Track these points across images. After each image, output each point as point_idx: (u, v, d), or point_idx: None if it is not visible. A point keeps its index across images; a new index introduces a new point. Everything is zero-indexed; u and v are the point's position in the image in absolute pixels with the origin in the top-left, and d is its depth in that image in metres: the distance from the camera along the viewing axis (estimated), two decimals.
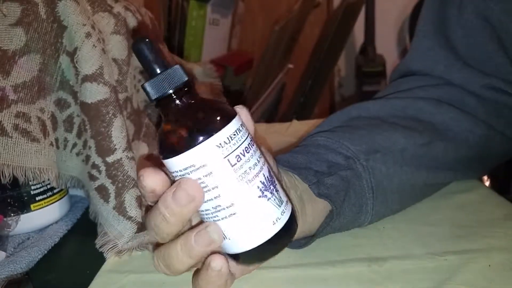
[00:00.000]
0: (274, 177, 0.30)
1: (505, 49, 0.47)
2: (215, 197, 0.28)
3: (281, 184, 0.32)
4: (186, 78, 0.28)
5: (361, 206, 0.41)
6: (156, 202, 0.30)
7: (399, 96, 0.50)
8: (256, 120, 1.22)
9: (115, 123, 0.44)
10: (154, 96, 0.28)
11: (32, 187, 0.46)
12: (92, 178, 0.45)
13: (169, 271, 0.31)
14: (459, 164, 0.48)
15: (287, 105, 1.62)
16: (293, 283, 0.37)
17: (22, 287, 0.37)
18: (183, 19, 1.35)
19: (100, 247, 0.43)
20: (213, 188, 0.28)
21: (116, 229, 0.43)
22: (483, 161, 0.51)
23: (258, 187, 0.28)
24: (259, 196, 0.28)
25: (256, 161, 0.29)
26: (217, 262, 0.29)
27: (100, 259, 0.42)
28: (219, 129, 0.27)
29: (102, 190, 0.44)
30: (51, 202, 0.48)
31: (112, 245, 0.43)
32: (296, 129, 0.76)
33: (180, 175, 0.29)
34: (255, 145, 0.29)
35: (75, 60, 0.44)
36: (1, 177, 0.41)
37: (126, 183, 0.44)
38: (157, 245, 0.32)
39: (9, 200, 0.45)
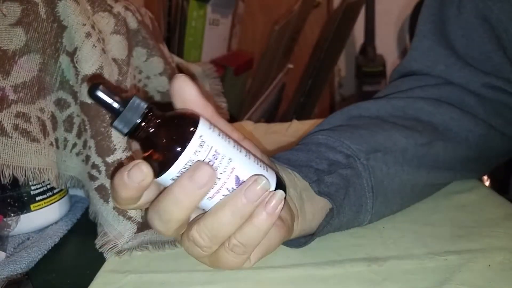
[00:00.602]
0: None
1: (504, 49, 0.47)
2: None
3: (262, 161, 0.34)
4: (146, 105, 0.31)
5: (361, 205, 0.41)
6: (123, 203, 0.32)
7: (399, 96, 0.50)
8: (256, 120, 1.22)
9: None
10: (125, 131, 0.31)
11: (32, 187, 0.46)
12: (92, 178, 0.45)
13: (216, 240, 0.32)
14: (459, 164, 0.48)
15: (287, 105, 1.62)
16: (292, 283, 0.37)
17: (22, 287, 0.37)
18: (183, 19, 1.35)
19: (100, 247, 0.43)
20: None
21: (116, 229, 0.44)
22: (483, 161, 0.51)
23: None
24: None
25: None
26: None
27: (100, 259, 0.42)
28: (194, 132, 0.30)
29: (102, 190, 0.44)
30: (51, 202, 0.48)
31: (112, 245, 0.43)
32: (296, 129, 0.76)
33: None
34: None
35: (75, 60, 0.44)
36: (1, 177, 0.41)
37: None
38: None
39: (9, 200, 0.45)
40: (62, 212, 0.50)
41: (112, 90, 0.31)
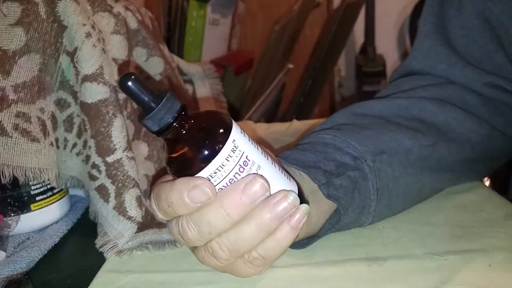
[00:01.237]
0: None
1: (505, 49, 0.47)
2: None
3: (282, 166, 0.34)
4: (180, 104, 0.29)
5: (364, 207, 0.41)
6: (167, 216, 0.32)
7: (402, 96, 0.50)
8: (256, 120, 1.22)
9: (115, 123, 0.44)
10: (155, 129, 0.29)
11: (32, 187, 0.46)
12: (92, 178, 0.45)
13: (237, 254, 0.31)
14: (462, 165, 0.48)
15: (287, 105, 1.62)
16: (293, 283, 0.37)
17: (22, 287, 0.37)
18: (183, 19, 1.35)
19: (100, 247, 0.43)
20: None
21: (116, 229, 0.43)
22: (485, 162, 0.51)
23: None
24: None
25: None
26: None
27: (100, 259, 0.42)
28: (230, 132, 0.30)
29: (102, 190, 0.44)
30: (51, 202, 0.48)
31: (112, 245, 0.43)
32: (296, 129, 0.76)
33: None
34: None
35: (75, 60, 0.44)
36: (1, 177, 0.41)
37: (126, 183, 0.44)
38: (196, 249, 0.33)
39: (9, 200, 0.45)
40: (62, 212, 0.50)
41: (144, 83, 0.29)
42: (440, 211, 0.46)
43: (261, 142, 0.35)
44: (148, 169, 0.52)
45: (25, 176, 0.42)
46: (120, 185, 0.44)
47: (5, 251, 0.43)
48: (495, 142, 0.49)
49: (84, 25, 0.44)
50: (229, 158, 0.29)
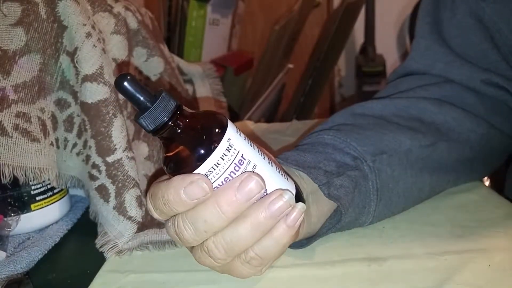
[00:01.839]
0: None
1: (498, 48, 0.48)
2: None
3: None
4: (175, 103, 0.30)
5: (364, 207, 0.41)
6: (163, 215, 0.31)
7: (401, 96, 0.50)
8: (256, 120, 1.22)
9: (115, 123, 0.44)
10: (150, 128, 0.30)
11: (32, 187, 0.46)
12: (92, 178, 0.45)
13: (233, 253, 0.31)
14: (462, 165, 0.48)
15: (287, 105, 1.62)
16: (293, 283, 0.37)
17: (23, 287, 0.37)
18: (183, 19, 1.35)
19: (100, 247, 0.43)
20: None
21: (116, 229, 0.44)
22: (485, 161, 0.51)
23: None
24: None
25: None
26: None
27: (100, 259, 0.42)
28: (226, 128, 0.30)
29: (102, 190, 0.44)
30: (51, 202, 0.48)
31: (112, 245, 0.43)
32: (296, 129, 0.76)
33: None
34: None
35: (75, 60, 0.44)
36: (2, 177, 0.41)
37: (126, 183, 0.44)
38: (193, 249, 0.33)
39: (9, 200, 0.45)
40: (62, 212, 0.50)
41: (140, 83, 0.29)
42: (440, 211, 0.46)
43: (259, 143, 0.35)
44: (148, 169, 0.52)
45: (25, 176, 0.42)
46: (120, 185, 0.44)
47: (5, 251, 0.43)
48: (493, 140, 0.49)
49: (84, 25, 0.44)
50: (224, 157, 0.29)
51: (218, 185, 0.30)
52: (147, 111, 0.29)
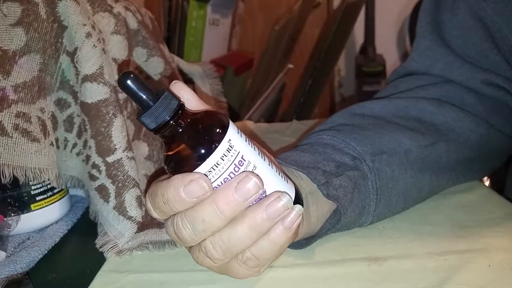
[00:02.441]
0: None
1: (499, 48, 0.48)
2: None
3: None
4: (177, 102, 0.30)
5: (364, 207, 0.41)
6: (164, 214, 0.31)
7: (401, 96, 0.50)
8: (256, 120, 1.22)
9: (115, 123, 0.44)
10: (152, 126, 0.30)
11: (32, 187, 0.46)
12: (92, 178, 0.45)
13: (230, 254, 0.31)
14: (461, 165, 0.48)
15: (287, 105, 1.62)
16: (292, 283, 0.37)
17: (22, 287, 0.37)
18: (183, 19, 1.35)
19: (100, 247, 0.43)
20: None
21: (116, 229, 0.44)
22: (485, 161, 0.51)
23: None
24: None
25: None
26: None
27: (100, 259, 0.42)
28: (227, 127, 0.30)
29: (102, 190, 0.44)
30: (51, 202, 0.48)
31: (112, 245, 0.43)
32: (296, 129, 0.76)
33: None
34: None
35: (75, 60, 0.44)
36: (2, 177, 0.41)
37: (126, 183, 0.44)
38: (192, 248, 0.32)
39: (9, 200, 0.45)
40: (62, 212, 0.50)
41: (143, 81, 0.29)
42: (440, 211, 0.46)
43: (258, 143, 0.35)
44: (148, 169, 0.52)
45: (25, 176, 0.42)
46: (120, 185, 0.44)
47: (5, 251, 0.43)
48: (493, 140, 0.49)
49: (84, 25, 0.44)
50: (224, 157, 0.29)
51: (218, 185, 0.30)
52: (149, 110, 0.29)
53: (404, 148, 0.43)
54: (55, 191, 0.48)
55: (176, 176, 0.30)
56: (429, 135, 0.45)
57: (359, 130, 0.44)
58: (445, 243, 0.40)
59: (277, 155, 0.41)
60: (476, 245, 0.40)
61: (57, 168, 0.45)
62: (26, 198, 0.46)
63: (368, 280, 0.36)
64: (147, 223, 0.45)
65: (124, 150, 0.44)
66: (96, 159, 0.44)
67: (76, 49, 0.44)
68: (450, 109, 0.48)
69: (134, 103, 0.51)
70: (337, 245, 0.41)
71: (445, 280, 0.35)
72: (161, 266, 0.41)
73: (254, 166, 0.31)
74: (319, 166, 0.39)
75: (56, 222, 0.49)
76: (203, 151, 0.29)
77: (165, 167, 0.32)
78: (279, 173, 0.32)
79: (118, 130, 0.44)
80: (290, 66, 1.46)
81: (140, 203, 0.45)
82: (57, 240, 0.46)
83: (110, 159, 0.44)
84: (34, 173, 0.43)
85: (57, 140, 0.46)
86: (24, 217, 0.46)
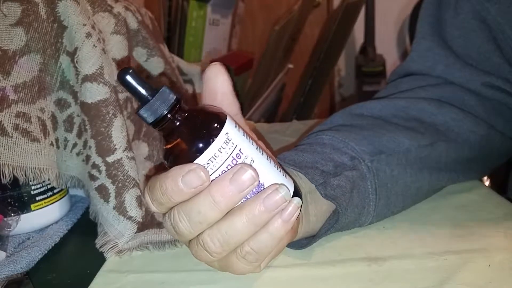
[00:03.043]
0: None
1: (501, 49, 0.48)
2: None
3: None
4: (175, 96, 0.30)
5: (363, 207, 0.41)
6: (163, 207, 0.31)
7: (401, 96, 0.50)
8: (256, 120, 1.22)
9: (115, 123, 0.44)
10: (150, 120, 0.30)
11: (32, 187, 0.46)
12: (92, 178, 0.45)
13: (228, 247, 0.31)
14: (460, 165, 0.48)
15: (287, 105, 1.62)
16: (292, 283, 0.37)
17: (22, 287, 0.37)
18: (183, 19, 1.35)
19: (100, 247, 0.43)
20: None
21: (116, 229, 0.44)
22: (484, 162, 0.51)
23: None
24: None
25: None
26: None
27: (100, 259, 0.42)
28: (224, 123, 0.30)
29: (102, 190, 0.44)
30: (51, 202, 0.48)
31: (112, 245, 0.43)
32: (296, 129, 0.76)
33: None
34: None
35: (75, 60, 0.44)
36: (2, 177, 0.41)
37: (126, 183, 0.44)
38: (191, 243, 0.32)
39: (9, 200, 0.45)
40: (62, 212, 0.50)
41: (142, 77, 0.30)
42: (440, 211, 0.46)
43: (260, 141, 0.35)
44: (148, 169, 0.52)
45: (25, 176, 0.42)
46: (120, 185, 0.44)
47: (5, 251, 0.43)
48: (493, 142, 0.49)
49: (84, 25, 0.44)
50: (222, 150, 0.30)
51: (215, 178, 0.31)
52: (147, 104, 0.30)
53: (403, 148, 0.43)
54: (55, 191, 0.48)
55: (174, 167, 0.30)
56: (429, 135, 0.45)
57: (358, 130, 0.44)
58: (445, 243, 0.40)
59: (276, 155, 0.41)
60: (476, 245, 0.40)
61: (57, 168, 0.45)
62: (26, 198, 0.46)
63: (368, 280, 0.36)
64: (147, 223, 0.46)
65: (124, 150, 0.44)
66: (96, 159, 0.44)
67: (76, 49, 0.44)
68: (450, 109, 0.48)
69: (134, 103, 0.51)
70: (337, 245, 0.41)
71: (445, 280, 0.35)
72: (161, 266, 0.41)
73: (252, 160, 0.31)
74: (317, 166, 0.39)
75: (56, 222, 0.49)
76: (201, 143, 0.29)
77: (164, 161, 0.32)
78: (277, 168, 0.33)
79: (118, 130, 0.44)
80: (290, 66, 1.46)
81: (140, 203, 0.45)
82: (57, 240, 0.46)
83: (110, 159, 0.44)
84: (34, 173, 0.43)
85: (57, 140, 0.46)
86: (24, 217, 0.46)
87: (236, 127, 0.31)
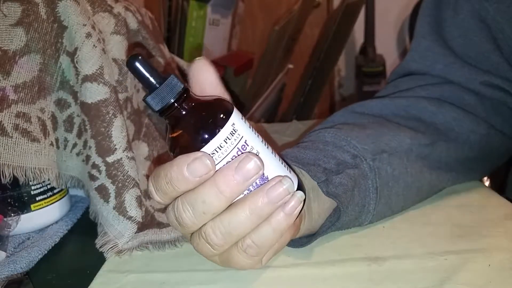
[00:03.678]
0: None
1: (501, 49, 0.48)
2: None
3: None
4: (182, 85, 0.30)
5: (364, 206, 0.41)
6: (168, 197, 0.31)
7: (401, 96, 0.50)
8: (256, 120, 1.22)
9: (115, 123, 0.44)
10: (157, 108, 0.30)
11: (32, 187, 0.46)
12: (92, 178, 0.45)
13: (230, 239, 0.31)
14: (461, 164, 0.48)
15: (287, 105, 1.62)
16: (292, 283, 0.37)
17: (22, 287, 0.37)
18: (183, 19, 1.35)
19: (100, 247, 0.43)
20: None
21: (116, 229, 0.44)
22: (484, 161, 0.51)
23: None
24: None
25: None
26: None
27: (100, 259, 0.42)
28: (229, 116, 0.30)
29: (102, 190, 0.44)
30: (51, 202, 0.48)
31: (112, 245, 0.43)
32: (296, 129, 0.76)
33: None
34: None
35: (75, 60, 0.44)
36: (2, 177, 0.41)
37: (126, 183, 0.44)
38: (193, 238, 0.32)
39: (9, 200, 0.45)
40: (62, 212, 0.50)
41: (150, 64, 0.30)
42: (440, 211, 0.46)
43: (265, 136, 0.35)
44: (148, 169, 0.52)
45: (25, 176, 0.42)
46: (120, 185, 0.44)
47: (5, 251, 0.43)
48: (493, 141, 0.49)
49: (84, 25, 0.44)
50: (228, 141, 0.30)
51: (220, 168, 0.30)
52: (154, 91, 0.30)
53: (404, 147, 0.43)
54: (55, 191, 0.48)
55: (179, 156, 0.30)
56: (429, 135, 0.45)
57: (360, 128, 0.44)
58: (445, 243, 0.40)
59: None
60: (476, 245, 0.40)
61: (57, 168, 0.45)
62: (26, 198, 0.46)
63: (368, 280, 0.36)
64: (147, 223, 0.46)
65: (124, 150, 0.45)
66: (96, 159, 0.44)
67: (76, 49, 0.44)
68: (451, 108, 0.48)
69: (134, 103, 0.51)
70: (337, 245, 0.41)
71: (445, 280, 0.35)
72: (161, 266, 0.41)
73: (257, 152, 0.31)
74: (320, 163, 0.39)
75: (56, 222, 0.49)
76: (207, 133, 0.29)
77: (169, 150, 0.32)
78: (282, 162, 0.32)
79: (118, 130, 0.44)
80: (290, 66, 1.46)
81: (140, 203, 0.45)
82: (57, 240, 0.46)
83: (110, 159, 0.44)
84: (34, 173, 0.43)
85: (57, 140, 0.46)
86: (24, 217, 0.46)
87: (242, 118, 0.31)
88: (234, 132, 0.30)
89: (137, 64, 0.30)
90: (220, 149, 0.30)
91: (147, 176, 0.50)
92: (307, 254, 0.40)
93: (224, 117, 0.30)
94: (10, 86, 0.42)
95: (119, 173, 0.44)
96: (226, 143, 0.29)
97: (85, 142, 0.45)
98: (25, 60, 0.43)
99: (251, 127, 0.31)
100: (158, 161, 0.52)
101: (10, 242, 0.45)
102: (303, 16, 1.53)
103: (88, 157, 0.45)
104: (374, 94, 0.54)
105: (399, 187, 0.43)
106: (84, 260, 0.44)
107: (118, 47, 0.48)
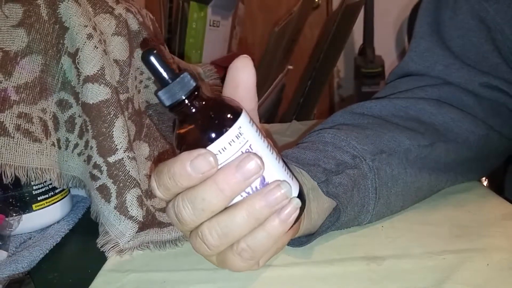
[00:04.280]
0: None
1: (500, 50, 0.48)
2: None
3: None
4: (195, 83, 0.30)
5: (363, 206, 0.41)
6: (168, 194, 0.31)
7: (400, 96, 0.50)
8: None
9: (117, 123, 0.44)
10: (167, 103, 0.30)
11: (34, 187, 0.46)
12: (94, 178, 0.45)
13: (226, 240, 0.31)
14: (460, 165, 0.48)
15: (287, 105, 1.62)
16: (292, 282, 0.37)
17: (24, 287, 0.37)
18: (184, 20, 1.35)
19: (101, 247, 0.43)
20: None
21: (117, 229, 0.44)
22: (483, 162, 0.51)
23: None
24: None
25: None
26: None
27: (101, 259, 0.42)
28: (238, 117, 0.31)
29: (103, 190, 0.44)
30: (52, 202, 0.48)
31: (113, 245, 0.43)
32: (296, 129, 0.77)
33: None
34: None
35: (76, 61, 0.44)
36: (3, 177, 0.41)
37: (127, 183, 0.44)
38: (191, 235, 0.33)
39: (11, 200, 0.45)
40: (63, 212, 0.50)
41: (165, 59, 0.30)
42: (439, 211, 0.46)
43: (270, 140, 0.35)
44: (149, 169, 0.52)
45: (27, 176, 0.43)
46: (121, 185, 0.44)
47: (7, 250, 0.43)
48: (492, 142, 0.50)
49: (86, 26, 0.44)
50: (232, 143, 0.30)
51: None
52: (166, 87, 0.30)
53: (403, 148, 0.44)
54: (56, 191, 0.49)
55: (183, 152, 0.30)
56: (428, 135, 0.46)
57: (360, 129, 0.44)
58: (444, 243, 0.40)
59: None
60: (474, 244, 0.40)
61: (58, 168, 0.46)
62: (27, 198, 0.46)
63: (367, 280, 0.36)
64: (148, 222, 0.46)
65: (125, 151, 0.45)
66: (97, 159, 0.44)
67: (77, 50, 0.44)
68: (449, 109, 0.48)
69: (135, 104, 0.51)
70: (336, 244, 0.41)
71: (444, 279, 0.35)
72: (162, 265, 0.41)
73: (261, 157, 0.31)
74: (319, 164, 0.40)
75: (58, 222, 0.49)
76: (213, 133, 0.30)
77: (175, 146, 0.32)
78: (285, 169, 0.33)
79: (119, 131, 0.45)
80: (290, 67, 1.46)
81: (141, 203, 0.45)
82: (59, 239, 0.46)
83: (111, 159, 0.44)
84: (36, 173, 0.43)
85: (58, 140, 0.46)
86: (26, 217, 0.46)
87: (250, 122, 0.31)
88: (239, 135, 0.30)
89: (152, 58, 0.30)
90: (224, 151, 0.30)
91: (148, 176, 0.50)
92: (307, 253, 0.40)
93: (231, 119, 0.30)
94: (12, 86, 0.42)
95: (120, 173, 0.44)
96: (231, 145, 0.30)
97: (87, 143, 0.46)
98: (27, 61, 0.43)
99: (258, 131, 0.31)
100: (159, 161, 0.52)
101: (11, 242, 0.45)
102: (302, 17, 1.53)
103: (89, 157, 0.45)
104: (373, 95, 0.54)
105: (398, 187, 0.43)
106: (85, 259, 0.44)
107: (119, 48, 0.49)
